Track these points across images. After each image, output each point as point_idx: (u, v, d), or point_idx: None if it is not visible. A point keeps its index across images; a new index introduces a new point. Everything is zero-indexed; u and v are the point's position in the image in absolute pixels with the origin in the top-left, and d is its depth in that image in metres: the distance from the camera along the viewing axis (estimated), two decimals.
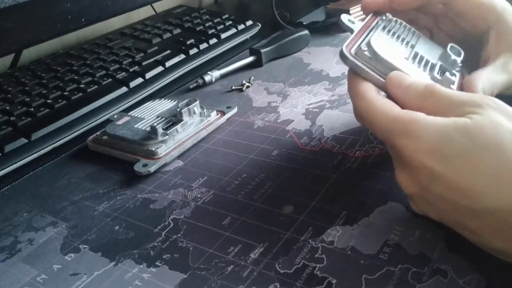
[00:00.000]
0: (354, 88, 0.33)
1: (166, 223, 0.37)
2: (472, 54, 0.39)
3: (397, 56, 0.35)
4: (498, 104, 0.28)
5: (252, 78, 0.61)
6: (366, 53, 0.34)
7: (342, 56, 0.34)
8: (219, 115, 0.50)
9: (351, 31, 0.38)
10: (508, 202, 0.26)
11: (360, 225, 0.34)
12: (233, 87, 0.59)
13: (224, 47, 0.69)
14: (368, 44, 0.34)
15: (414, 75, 0.34)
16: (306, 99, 0.54)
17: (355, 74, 0.34)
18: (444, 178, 0.27)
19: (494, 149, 0.26)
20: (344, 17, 0.39)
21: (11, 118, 0.50)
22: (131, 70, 0.60)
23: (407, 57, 0.36)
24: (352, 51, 0.35)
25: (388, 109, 0.30)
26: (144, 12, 0.85)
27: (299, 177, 0.41)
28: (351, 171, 0.40)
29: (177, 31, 0.72)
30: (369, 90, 0.32)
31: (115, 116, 0.50)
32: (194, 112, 0.48)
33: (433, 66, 0.36)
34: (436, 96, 0.30)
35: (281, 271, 0.31)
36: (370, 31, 0.38)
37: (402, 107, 0.31)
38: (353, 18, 0.39)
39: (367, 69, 0.34)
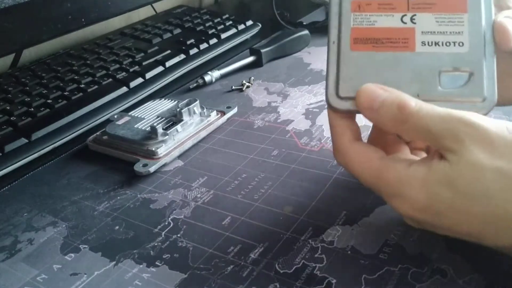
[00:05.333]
0: (331, 125, 0.31)
1: (166, 223, 0.37)
2: None
3: None
4: (479, 131, 0.25)
5: (252, 78, 0.61)
6: None
7: None
8: (219, 115, 0.50)
9: None
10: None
11: (360, 225, 0.34)
12: (233, 87, 0.59)
13: (224, 47, 0.69)
14: None
15: None
16: (306, 99, 0.54)
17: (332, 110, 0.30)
18: (443, 227, 0.27)
19: (481, 197, 0.25)
20: None
21: (11, 118, 0.50)
22: (131, 70, 0.60)
23: None
24: None
25: (368, 162, 0.29)
26: (144, 12, 0.85)
27: (299, 177, 0.41)
28: None
29: (177, 31, 0.72)
30: (344, 133, 0.30)
31: (115, 116, 0.50)
32: (194, 112, 0.48)
33: None
34: (411, 123, 0.27)
35: (281, 271, 0.31)
36: None
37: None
38: None
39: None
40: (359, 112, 0.29)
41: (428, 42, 0.29)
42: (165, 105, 0.51)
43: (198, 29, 0.72)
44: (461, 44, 0.29)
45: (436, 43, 0.29)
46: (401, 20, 0.29)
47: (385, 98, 0.28)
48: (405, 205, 0.27)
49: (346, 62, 0.30)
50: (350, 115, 0.30)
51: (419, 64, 0.29)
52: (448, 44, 0.29)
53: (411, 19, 0.29)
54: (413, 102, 0.27)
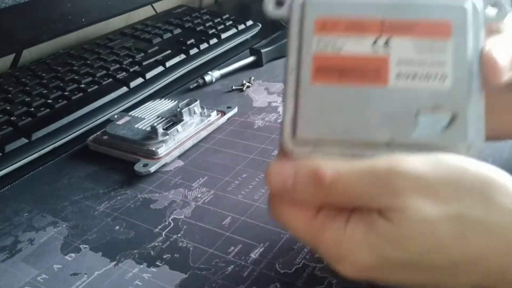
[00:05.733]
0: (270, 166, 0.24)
1: (167, 223, 0.37)
2: None
3: None
4: (415, 179, 0.22)
5: (253, 78, 0.61)
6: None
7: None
8: (220, 115, 0.50)
9: None
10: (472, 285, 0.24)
11: None
12: (234, 87, 0.59)
13: (225, 47, 0.69)
14: None
15: None
16: None
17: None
18: (395, 282, 0.24)
19: (435, 250, 0.22)
20: None
21: (12, 118, 0.50)
22: (131, 70, 0.60)
23: None
24: None
25: (303, 220, 0.24)
26: (144, 12, 0.85)
27: None
28: None
29: (177, 31, 0.72)
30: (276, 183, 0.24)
31: (116, 116, 0.50)
32: (195, 112, 0.48)
33: None
34: (336, 194, 0.23)
35: (281, 271, 0.31)
36: None
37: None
38: None
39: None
40: None
41: (404, 75, 0.24)
42: (165, 105, 0.51)
43: (198, 29, 0.72)
44: (443, 77, 0.24)
45: (414, 76, 0.24)
46: (373, 44, 0.24)
47: (295, 173, 0.23)
48: (350, 268, 0.24)
49: (306, 97, 0.24)
50: None
51: (392, 102, 0.24)
52: (428, 77, 0.24)
53: (385, 44, 0.24)
54: (329, 170, 0.22)
